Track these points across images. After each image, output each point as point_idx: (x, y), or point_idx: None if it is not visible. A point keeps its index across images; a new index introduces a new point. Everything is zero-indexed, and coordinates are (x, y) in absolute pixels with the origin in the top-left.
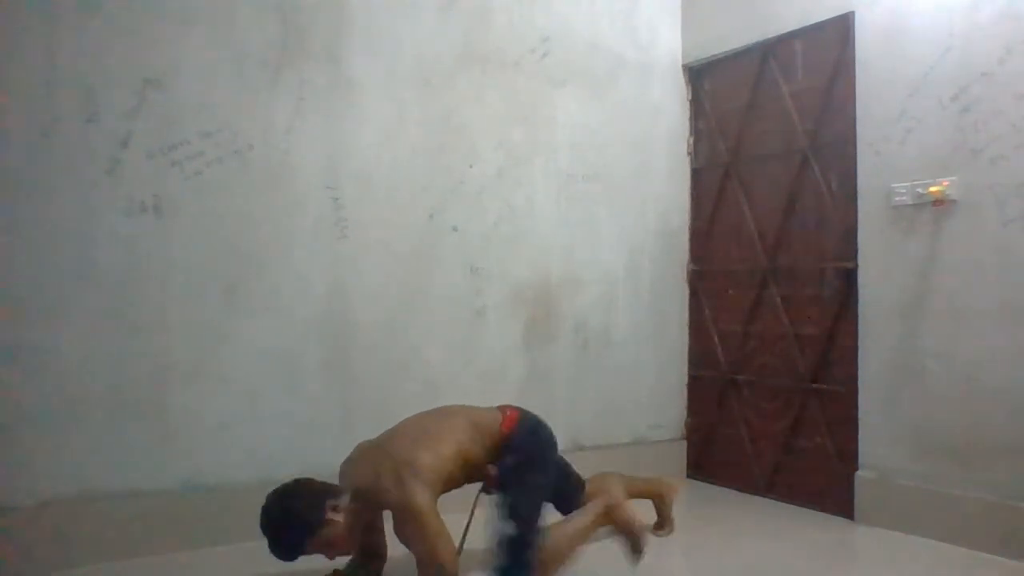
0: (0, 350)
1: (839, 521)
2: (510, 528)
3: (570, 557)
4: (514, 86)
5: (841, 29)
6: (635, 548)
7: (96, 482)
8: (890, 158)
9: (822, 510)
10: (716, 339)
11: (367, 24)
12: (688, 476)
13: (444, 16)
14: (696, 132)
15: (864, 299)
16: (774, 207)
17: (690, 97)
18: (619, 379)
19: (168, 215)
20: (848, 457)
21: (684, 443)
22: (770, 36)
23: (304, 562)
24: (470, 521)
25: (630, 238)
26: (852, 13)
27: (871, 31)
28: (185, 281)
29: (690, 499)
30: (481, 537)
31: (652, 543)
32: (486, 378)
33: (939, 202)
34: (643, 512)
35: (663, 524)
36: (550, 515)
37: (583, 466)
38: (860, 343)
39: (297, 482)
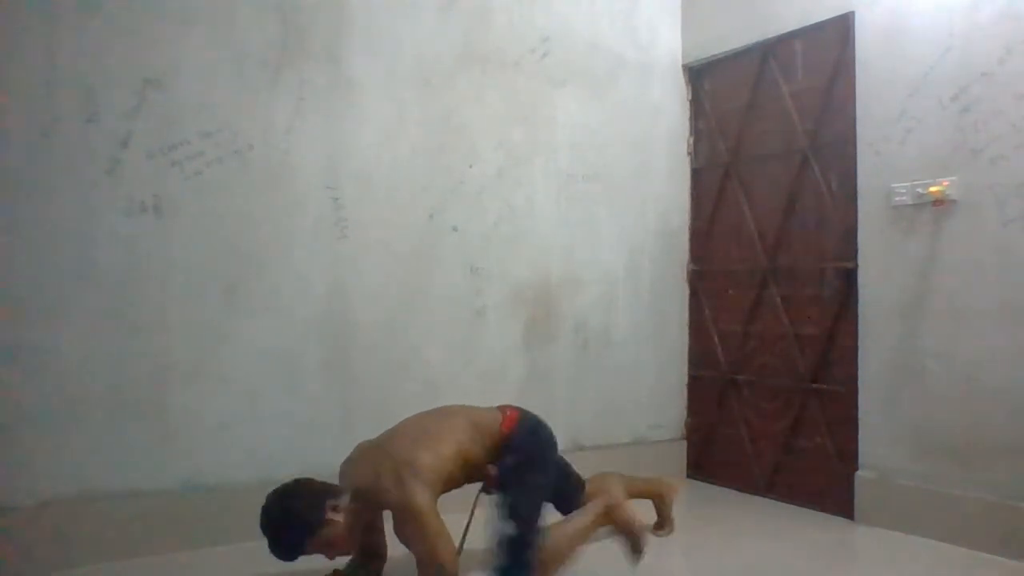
0: (0, 350)
1: (839, 521)
2: (510, 528)
3: (570, 557)
4: (514, 86)
5: (841, 29)
6: (635, 548)
7: (96, 482)
8: (890, 158)
9: (822, 510)
10: (716, 339)
11: (367, 24)
12: (688, 476)
13: (444, 16)
14: (696, 132)
15: (864, 299)
16: (774, 207)
17: (690, 97)
18: (619, 379)
19: (168, 215)
20: (848, 457)
21: (684, 443)
22: (770, 36)
23: (304, 562)
24: (470, 521)
25: (630, 238)
26: (852, 13)
27: (871, 31)
28: (185, 281)
29: (690, 499)
30: (481, 537)
31: (652, 543)
32: (486, 378)
33: (939, 202)
34: (643, 512)
35: (663, 524)
36: (550, 515)
37: (583, 466)
38: (860, 343)
39: (297, 482)
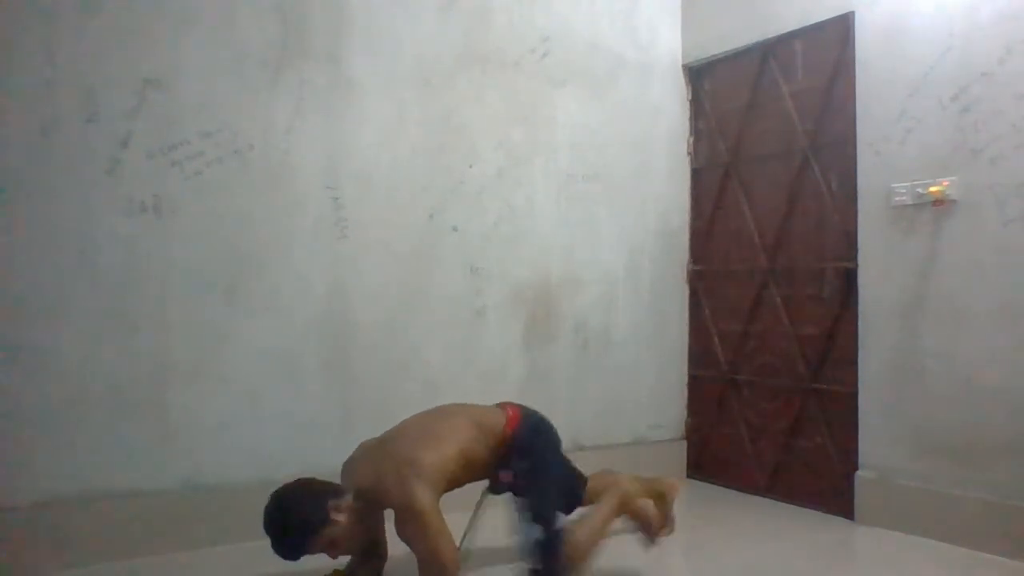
0: (0, 350)
1: (839, 521)
2: (537, 532)
3: (595, 551)
4: (514, 86)
5: (841, 29)
6: (650, 533)
7: (96, 482)
8: (890, 158)
9: (822, 510)
10: (716, 339)
11: (367, 24)
12: (688, 476)
13: (444, 16)
14: (696, 132)
15: (864, 299)
16: (774, 207)
17: (690, 97)
18: (619, 379)
19: (168, 215)
20: (848, 457)
21: (684, 443)
22: (770, 36)
23: (304, 562)
24: (475, 521)
25: (630, 238)
26: (852, 13)
27: (871, 31)
28: (185, 281)
29: (690, 499)
30: (483, 537)
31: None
32: (486, 378)
33: (939, 202)
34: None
35: (664, 524)
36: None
37: (583, 466)
38: (860, 343)
39: (300, 482)
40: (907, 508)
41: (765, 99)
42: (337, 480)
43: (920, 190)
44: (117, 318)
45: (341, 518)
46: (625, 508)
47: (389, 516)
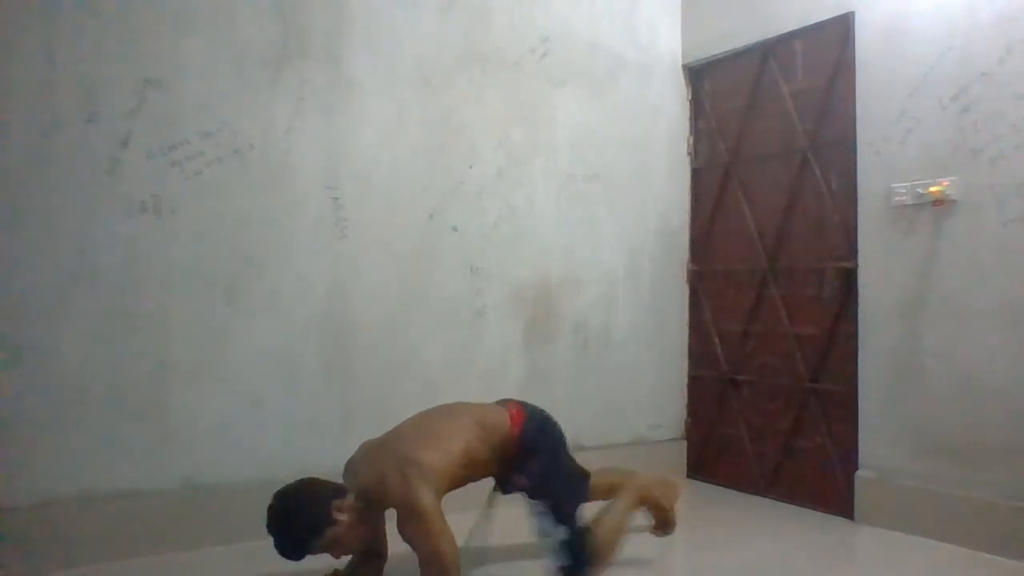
0: (0, 350)
1: (839, 521)
2: (562, 532)
3: (618, 546)
4: (514, 86)
5: (841, 29)
6: (667, 523)
7: (96, 482)
8: (890, 158)
9: (822, 510)
10: (716, 339)
11: (367, 24)
12: (688, 476)
13: (444, 16)
14: (696, 132)
15: (864, 299)
16: (774, 207)
17: (690, 97)
18: (619, 379)
19: (168, 215)
20: (848, 457)
21: (684, 443)
22: (770, 36)
23: (304, 562)
24: (484, 521)
25: (630, 238)
26: (852, 13)
27: (871, 31)
28: (185, 281)
29: (690, 499)
30: (484, 537)
31: (652, 543)
32: (486, 378)
33: (939, 202)
34: (641, 513)
35: (660, 525)
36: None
37: (584, 467)
38: (860, 343)
39: (302, 482)
40: (907, 508)
41: (765, 99)
42: (337, 479)
43: (920, 190)
44: (117, 318)
45: (344, 518)
46: (645, 501)
47: (390, 516)
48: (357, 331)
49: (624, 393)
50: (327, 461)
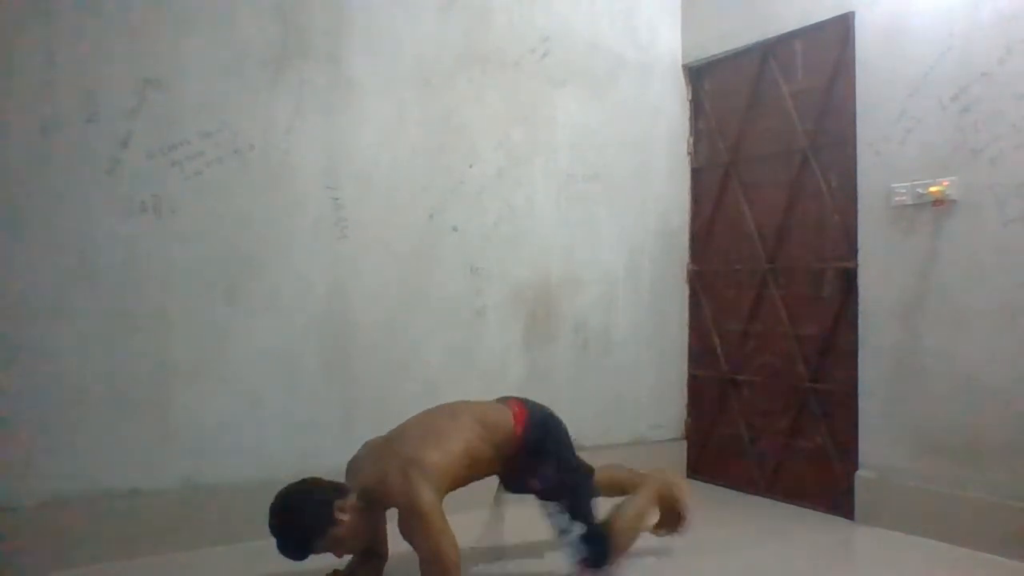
0: (0, 350)
1: (839, 521)
2: (579, 528)
3: (634, 540)
4: (514, 86)
5: (841, 29)
6: (674, 523)
7: (96, 482)
8: (890, 158)
9: (822, 510)
10: (716, 339)
11: (367, 24)
12: (688, 476)
13: (444, 16)
14: (696, 132)
15: (864, 299)
16: (774, 207)
17: (690, 97)
18: (619, 379)
19: (168, 215)
20: (848, 457)
21: (684, 443)
22: (770, 36)
23: (304, 561)
24: (495, 520)
25: (630, 238)
26: (852, 13)
27: (871, 31)
28: (185, 281)
29: (690, 499)
30: (490, 535)
31: (652, 543)
32: (486, 378)
33: (939, 202)
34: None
35: (663, 523)
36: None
37: None
38: (860, 343)
39: (305, 482)
40: (907, 508)
41: (765, 99)
42: (338, 479)
43: (920, 190)
44: (117, 318)
45: (346, 518)
46: (662, 500)
47: (390, 515)
48: (357, 331)
49: (624, 393)
50: (327, 461)
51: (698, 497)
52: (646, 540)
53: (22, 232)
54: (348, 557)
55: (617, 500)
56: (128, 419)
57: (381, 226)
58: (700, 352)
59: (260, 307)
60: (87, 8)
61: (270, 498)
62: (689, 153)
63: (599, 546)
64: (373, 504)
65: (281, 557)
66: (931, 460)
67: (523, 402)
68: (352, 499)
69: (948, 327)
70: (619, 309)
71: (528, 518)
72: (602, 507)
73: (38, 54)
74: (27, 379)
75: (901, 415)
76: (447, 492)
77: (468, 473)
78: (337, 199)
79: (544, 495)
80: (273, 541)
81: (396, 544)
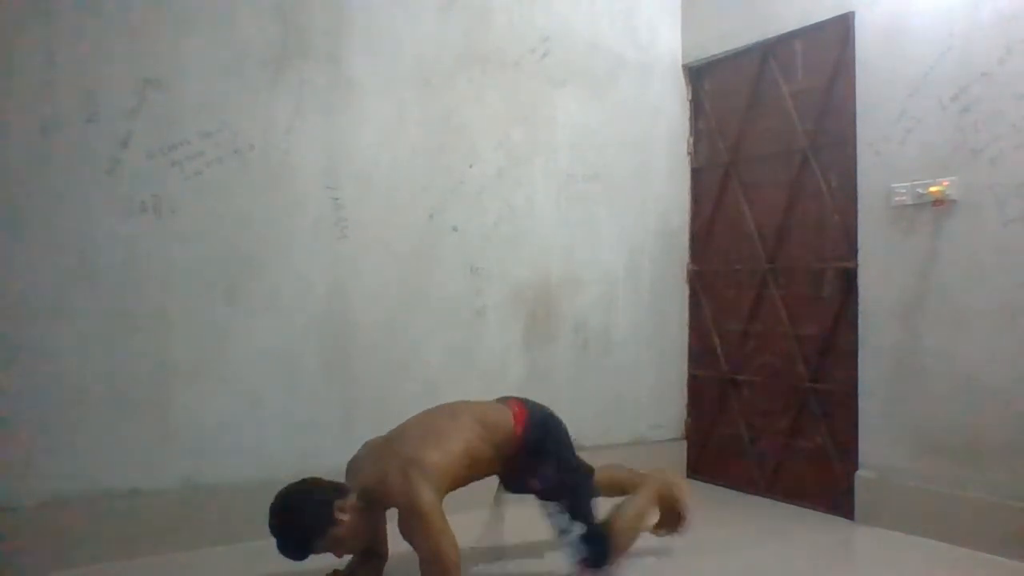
0: (0, 350)
1: (839, 521)
2: (579, 528)
3: (634, 539)
4: (514, 86)
5: (841, 29)
6: (679, 525)
7: (96, 482)
8: (890, 158)
9: (822, 510)
10: (716, 339)
11: (367, 24)
12: (688, 476)
13: (444, 16)
14: (696, 132)
15: (864, 299)
16: (774, 207)
17: (690, 97)
18: (619, 379)
19: (168, 215)
20: (848, 457)
21: (684, 443)
22: (770, 36)
23: (304, 561)
24: (495, 520)
25: (630, 238)
26: (852, 13)
27: (871, 31)
28: (185, 281)
29: (690, 499)
30: (489, 535)
31: (652, 543)
32: (486, 378)
33: (939, 202)
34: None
35: (663, 523)
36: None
37: None
38: (860, 343)
39: (305, 482)
40: (907, 508)
41: (765, 99)
42: (338, 479)
43: (920, 190)
44: (117, 318)
45: (346, 518)
46: (663, 500)
47: (390, 516)
48: (357, 331)
49: (624, 393)
50: (327, 461)
51: (698, 497)
52: (646, 540)
53: (22, 232)
54: (348, 557)
55: (617, 500)
56: (128, 419)
57: (381, 226)
58: (700, 352)
59: (260, 307)
60: (87, 8)
61: (270, 498)
62: (689, 153)
63: (599, 546)
64: (373, 504)
65: (281, 557)
66: (931, 460)
67: (523, 402)
68: (352, 499)
69: (948, 327)
70: (619, 309)
71: (528, 518)
72: (602, 507)
73: (38, 54)
74: (27, 379)
75: (901, 415)
76: (447, 492)
77: (468, 473)
78: (337, 199)
79: (544, 495)
80: (273, 541)
81: (396, 544)
